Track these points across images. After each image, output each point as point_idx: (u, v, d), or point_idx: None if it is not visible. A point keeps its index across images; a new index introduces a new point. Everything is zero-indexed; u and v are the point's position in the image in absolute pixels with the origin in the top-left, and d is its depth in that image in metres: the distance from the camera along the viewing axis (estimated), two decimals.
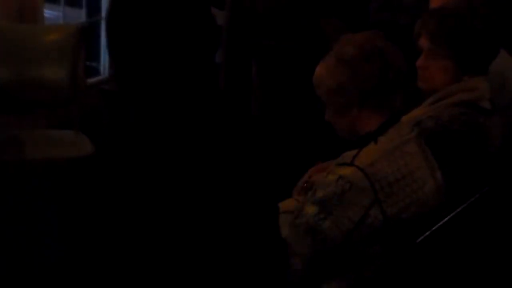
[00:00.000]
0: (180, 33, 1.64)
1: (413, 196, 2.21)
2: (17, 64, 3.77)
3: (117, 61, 1.70)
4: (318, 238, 2.15)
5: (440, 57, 2.64)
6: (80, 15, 5.14)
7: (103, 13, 5.02)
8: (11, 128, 4.10)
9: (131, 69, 1.67)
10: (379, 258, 2.18)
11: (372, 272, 2.19)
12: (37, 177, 3.73)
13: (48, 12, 5.06)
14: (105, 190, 1.63)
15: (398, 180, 2.19)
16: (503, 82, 2.98)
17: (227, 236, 1.65)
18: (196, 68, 1.67)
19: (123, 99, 1.78)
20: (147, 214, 1.60)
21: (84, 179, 1.63)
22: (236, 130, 1.76)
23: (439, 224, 2.24)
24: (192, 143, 1.66)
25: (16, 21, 4.34)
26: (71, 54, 3.82)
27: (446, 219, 2.27)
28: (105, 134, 2.18)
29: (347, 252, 2.17)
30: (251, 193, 1.71)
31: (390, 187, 2.17)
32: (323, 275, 2.22)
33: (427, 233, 2.20)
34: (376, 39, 2.27)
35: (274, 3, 3.95)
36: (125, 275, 1.61)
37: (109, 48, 1.70)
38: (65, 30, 3.92)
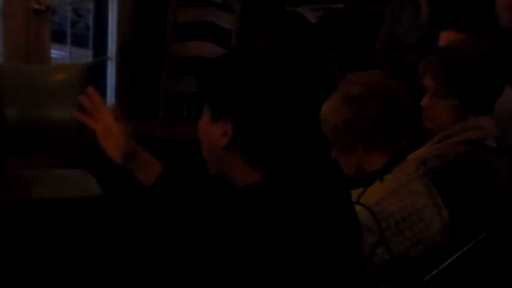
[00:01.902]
0: None
1: (420, 235, 2.20)
2: (25, 104, 3.77)
3: None
4: None
5: (445, 96, 2.63)
6: (86, 55, 5.16)
7: (109, 53, 5.05)
8: (18, 167, 4.10)
9: None
10: None
11: None
12: (45, 217, 3.74)
13: (55, 52, 5.09)
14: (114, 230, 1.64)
15: (404, 218, 2.18)
16: (510, 121, 2.98)
17: None
18: None
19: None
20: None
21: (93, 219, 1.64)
22: None
23: (446, 263, 2.23)
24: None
25: (23, 61, 4.37)
26: (77, 93, 3.83)
27: (453, 258, 2.26)
28: (111, 173, 2.19)
29: None
30: None
31: (396, 225, 2.16)
32: None
33: (434, 272, 2.19)
34: (382, 78, 2.28)
35: (277, 43, 3.97)
36: None
37: None
38: (72, 70, 3.93)
